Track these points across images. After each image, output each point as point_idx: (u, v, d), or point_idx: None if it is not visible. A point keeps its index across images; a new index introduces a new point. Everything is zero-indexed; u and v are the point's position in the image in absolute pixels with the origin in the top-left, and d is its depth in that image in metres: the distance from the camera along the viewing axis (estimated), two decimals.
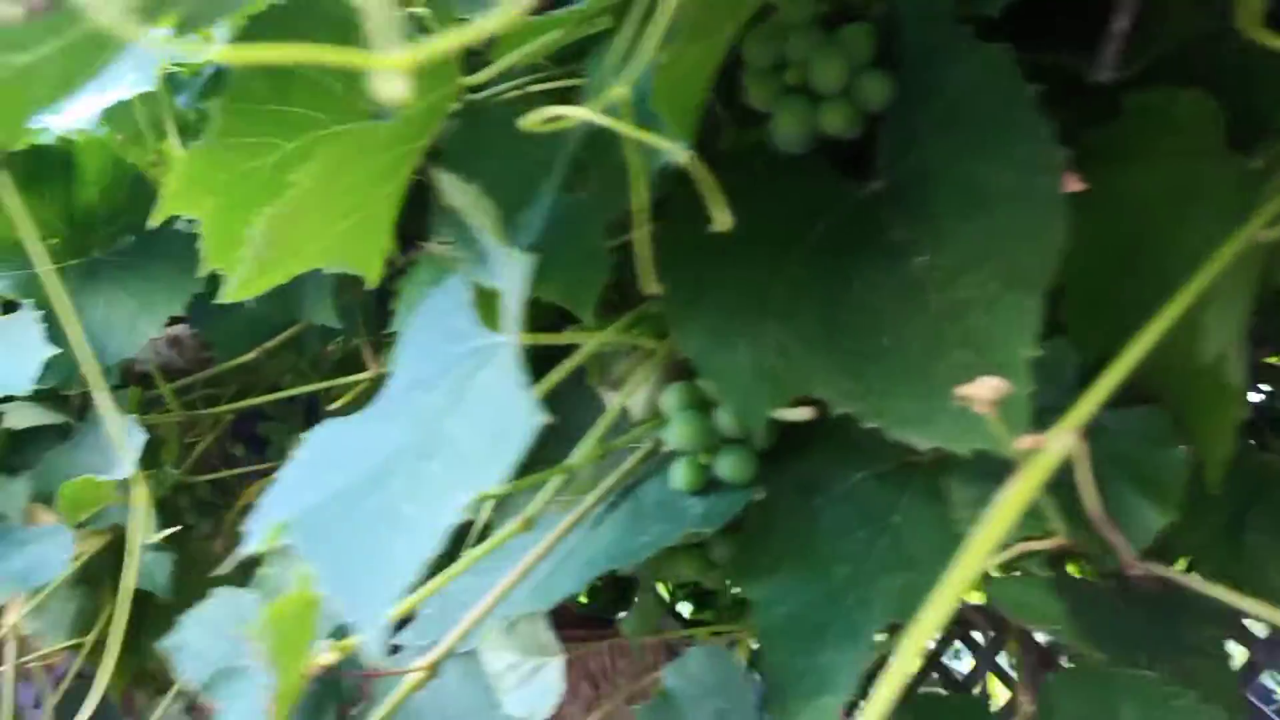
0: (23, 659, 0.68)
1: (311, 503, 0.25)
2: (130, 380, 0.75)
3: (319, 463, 0.29)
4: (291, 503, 0.27)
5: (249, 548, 0.27)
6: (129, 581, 0.52)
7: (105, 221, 0.68)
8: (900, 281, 0.34)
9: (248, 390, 0.82)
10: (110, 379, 0.64)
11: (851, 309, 0.34)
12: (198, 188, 0.49)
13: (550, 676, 0.39)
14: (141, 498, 0.49)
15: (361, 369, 0.78)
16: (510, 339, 0.23)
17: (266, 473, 0.88)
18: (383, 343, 0.73)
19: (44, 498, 0.63)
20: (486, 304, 0.32)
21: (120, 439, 0.53)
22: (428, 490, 0.23)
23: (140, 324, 0.63)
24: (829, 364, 0.33)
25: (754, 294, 0.35)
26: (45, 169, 0.66)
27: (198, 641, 0.35)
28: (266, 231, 0.39)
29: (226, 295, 0.44)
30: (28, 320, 0.57)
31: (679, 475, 0.39)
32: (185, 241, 0.70)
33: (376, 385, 0.78)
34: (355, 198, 0.41)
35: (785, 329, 0.34)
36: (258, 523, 0.28)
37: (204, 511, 0.84)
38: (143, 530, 0.50)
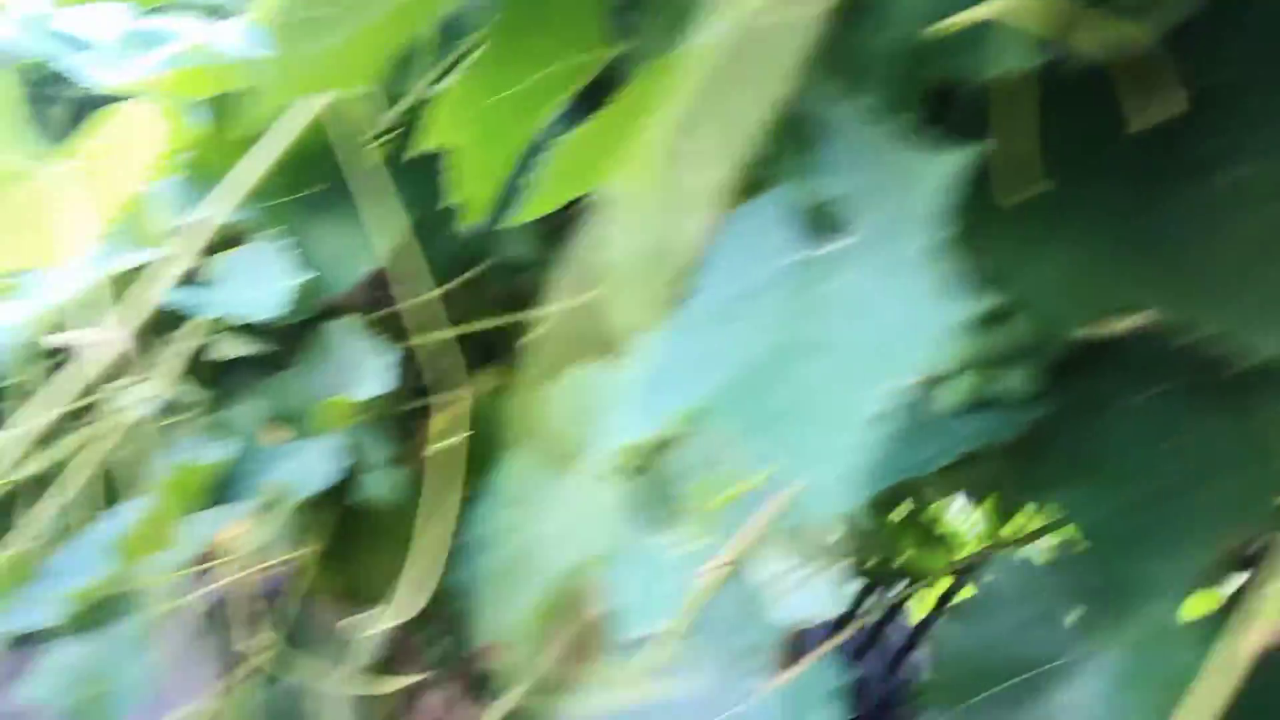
0: (246, 570, 0.72)
1: (704, 396, 0.27)
2: None
3: (672, 367, 0.31)
4: (663, 402, 0.28)
5: (615, 441, 0.29)
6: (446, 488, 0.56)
7: (321, 158, 0.71)
8: (1211, 196, 0.34)
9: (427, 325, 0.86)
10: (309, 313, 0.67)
11: (1163, 222, 0.34)
12: (452, 120, 0.51)
13: (828, 581, 0.41)
14: (463, 406, 0.53)
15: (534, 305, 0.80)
16: (929, 235, 0.24)
17: (448, 404, 0.91)
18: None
19: (275, 419, 0.67)
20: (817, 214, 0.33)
21: (368, 361, 0.56)
22: (828, 385, 0.25)
23: (360, 257, 0.66)
24: (1145, 276, 0.33)
25: (1060, 206, 0.35)
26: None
27: (566, 527, 0.37)
28: (563, 155, 0.41)
29: (511, 219, 0.46)
30: (268, 250, 0.61)
31: (956, 391, 0.40)
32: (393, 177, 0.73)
33: (567, 320, 0.80)
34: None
35: (1095, 241, 0.34)
36: (624, 420, 0.29)
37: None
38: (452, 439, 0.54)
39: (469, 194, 0.54)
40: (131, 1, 0.90)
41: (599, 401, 0.58)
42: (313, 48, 0.33)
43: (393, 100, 0.78)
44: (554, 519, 0.57)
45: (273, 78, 0.35)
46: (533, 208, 0.43)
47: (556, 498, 0.58)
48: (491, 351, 0.93)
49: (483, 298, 0.90)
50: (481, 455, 0.79)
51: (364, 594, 0.82)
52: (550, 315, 0.78)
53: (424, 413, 0.90)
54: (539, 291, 0.83)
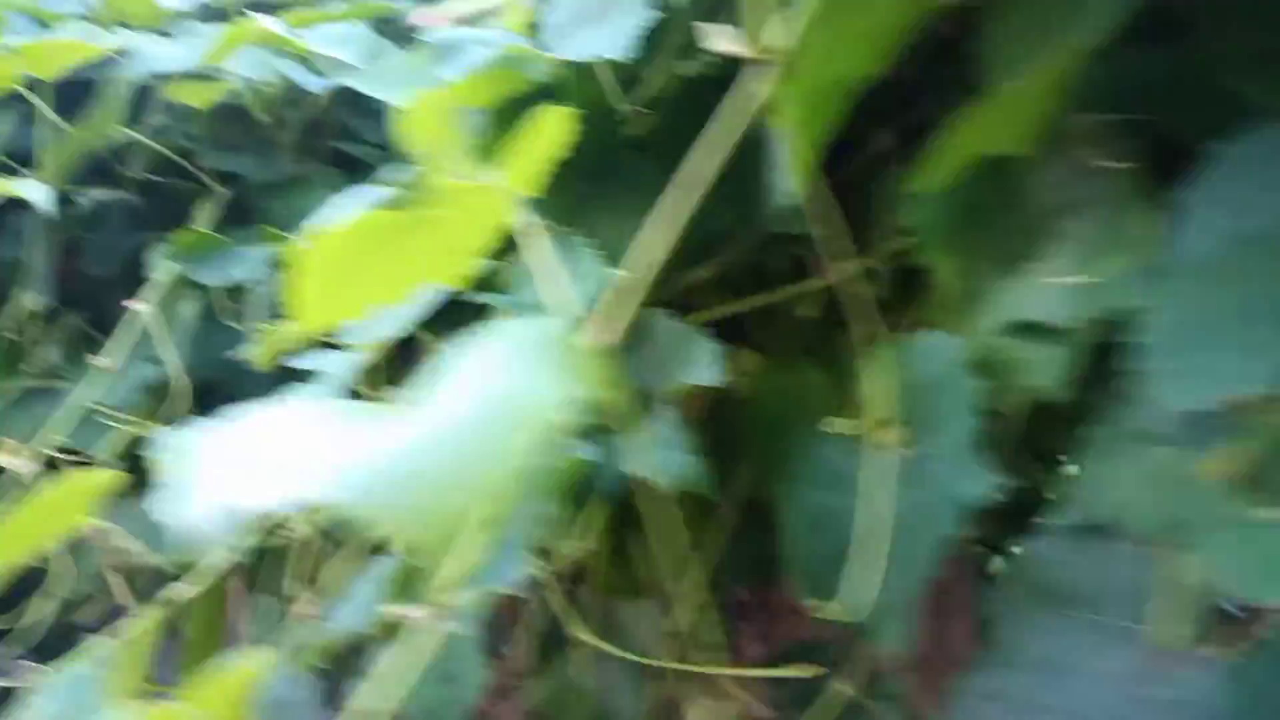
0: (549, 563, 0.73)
1: None
2: None
3: (1218, 318, 0.29)
4: (1240, 359, 0.26)
5: (1180, 404, 0.27)
6: None
7: (584, 151, 0.71)
8: None
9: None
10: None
11: None
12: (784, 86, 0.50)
13: None
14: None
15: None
16: None
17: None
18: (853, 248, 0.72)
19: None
20: None
21: (692, 349, 0.56)
22: None
23: None
24: None
25: None
26: (531, 104, 0.69)
27: (1137, 499, 0.36)
28: (965, 126, 0.39)
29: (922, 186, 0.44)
30: (568, 246, 0.61)
31: None
32: (642, 167, 0.73)
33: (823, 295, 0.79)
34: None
35: None
36: (1187, 381, 0.27)
37: None
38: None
39: (797, 164, 0.53)
40: (358, 20, 0.92)
41: (933, 371, 0.56)
42: (854, 26, 0.32)
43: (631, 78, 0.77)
44: (891, 499, 0.55)
45: (806, 62, 0.34)
46: (930, 178, 0.41)
47: (887, 477, 0.57)
48: (739, 331, 0.92)
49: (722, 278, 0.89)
50: (755, 434, 0.78)
51: (644, 588, 0.82)
52: (826, 290, 0.77)
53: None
54: (796, 269, 0.82)
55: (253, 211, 1.00)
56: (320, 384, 0.50)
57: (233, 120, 1.02)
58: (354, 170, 1.05)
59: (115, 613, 1.01)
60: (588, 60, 0.64)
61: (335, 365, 0.52)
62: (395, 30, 0.99)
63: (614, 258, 0.68)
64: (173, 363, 0.77)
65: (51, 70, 0.82)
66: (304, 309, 0.39)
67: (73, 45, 0.80)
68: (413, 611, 0.33)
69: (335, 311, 0.41)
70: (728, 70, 0.76)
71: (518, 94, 0.69)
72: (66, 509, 0.45)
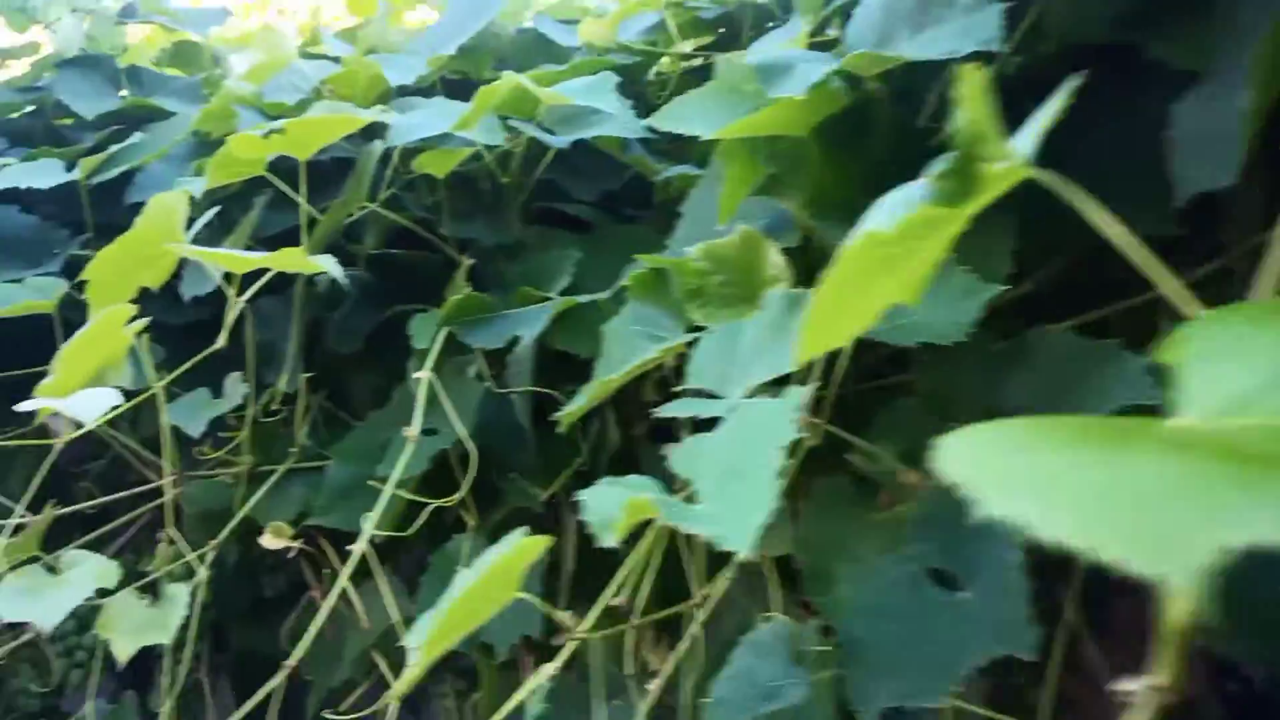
0: None
1: None
2: None
3: None
4: None
5: None
6: None
7: (895, 176, 0.67)
8: None
9: None
10: None
11: None
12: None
13: None
14: None
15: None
16: None
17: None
18: None
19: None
20: None
21: (1103, 370, 0.50)
22: None
23: (1000, 254, 0.60)
24: None
25: None
26: (848, 127, 0.66)
27: None
28: None
29: None
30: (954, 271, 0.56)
31: None
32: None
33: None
34: None
35: None
36: None
37: None
38: None
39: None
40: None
41: None
42: None
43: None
44: None
45: None
46: None
47: None
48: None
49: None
50: None
51: None
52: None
53: None
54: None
55: (487, 276, 0.98)
56: (749, 429, 0.46)
57: (462, 187, 1.01)
58: (572, 228, 1.02)
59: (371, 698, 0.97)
60: (940, 59, 0.58)
61: (749, 412, 0.47)
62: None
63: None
64: (461, 430, 0.75)
65: (309, 149, 0.82)
66: (813, 329, 0.35)
67: (336, 120, 0.79)
68: (1146, 685, 0.27)
69: (836, 334, 0.37)
70: (1024, 66, 0.71)
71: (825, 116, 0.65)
72: (503, 582, 0.41)
